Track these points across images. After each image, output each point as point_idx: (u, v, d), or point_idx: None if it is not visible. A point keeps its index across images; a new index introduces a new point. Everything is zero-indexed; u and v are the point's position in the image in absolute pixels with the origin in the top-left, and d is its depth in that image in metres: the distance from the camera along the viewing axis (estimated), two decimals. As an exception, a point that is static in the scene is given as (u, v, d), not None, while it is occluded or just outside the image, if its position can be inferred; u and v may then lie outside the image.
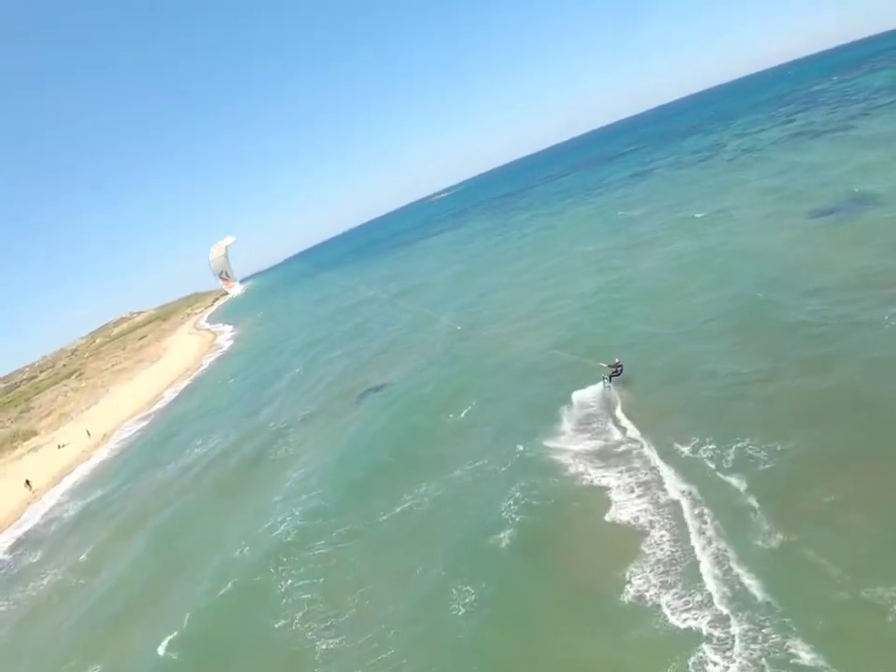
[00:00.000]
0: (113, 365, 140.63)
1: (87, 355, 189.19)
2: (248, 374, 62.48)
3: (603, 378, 27.83)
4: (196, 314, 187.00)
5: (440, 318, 48.14)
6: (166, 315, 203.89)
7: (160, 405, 66.85)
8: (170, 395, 70.76)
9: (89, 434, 64.84)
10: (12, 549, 39.74)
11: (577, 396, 27.60)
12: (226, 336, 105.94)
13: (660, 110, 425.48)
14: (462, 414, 29.40)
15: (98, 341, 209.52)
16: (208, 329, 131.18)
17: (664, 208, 58.52)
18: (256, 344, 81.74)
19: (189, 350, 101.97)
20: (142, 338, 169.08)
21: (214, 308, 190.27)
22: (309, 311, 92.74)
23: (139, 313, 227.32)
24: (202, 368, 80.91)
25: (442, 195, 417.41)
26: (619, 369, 27.04)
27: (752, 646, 12.51)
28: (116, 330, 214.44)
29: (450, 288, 61.97)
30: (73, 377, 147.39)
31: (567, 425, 25.05)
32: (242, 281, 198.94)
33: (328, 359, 52.21)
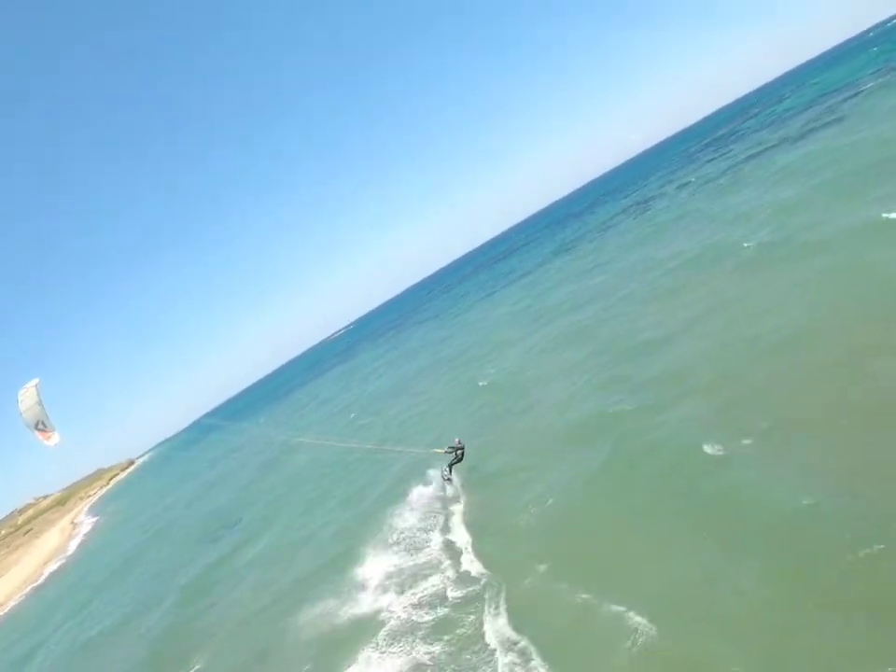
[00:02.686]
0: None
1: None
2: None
3: (443, 471, 22.91)
4: (90, 495, 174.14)
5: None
6: (66, 498, 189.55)
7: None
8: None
9: None
10: None
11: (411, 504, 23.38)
12: (78, 537, 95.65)
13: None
14: None
15: (3, 532, 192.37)
16: (76, 524, 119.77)
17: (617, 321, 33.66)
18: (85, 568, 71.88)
19: (33, 564, 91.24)
20: (28, 532, 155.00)
21: (109, 486, 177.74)
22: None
23: (45, 497, 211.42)
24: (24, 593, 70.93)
25: (337, 334, 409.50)
26: (459, 452, 22.44)
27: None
28: (21, 518, 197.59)
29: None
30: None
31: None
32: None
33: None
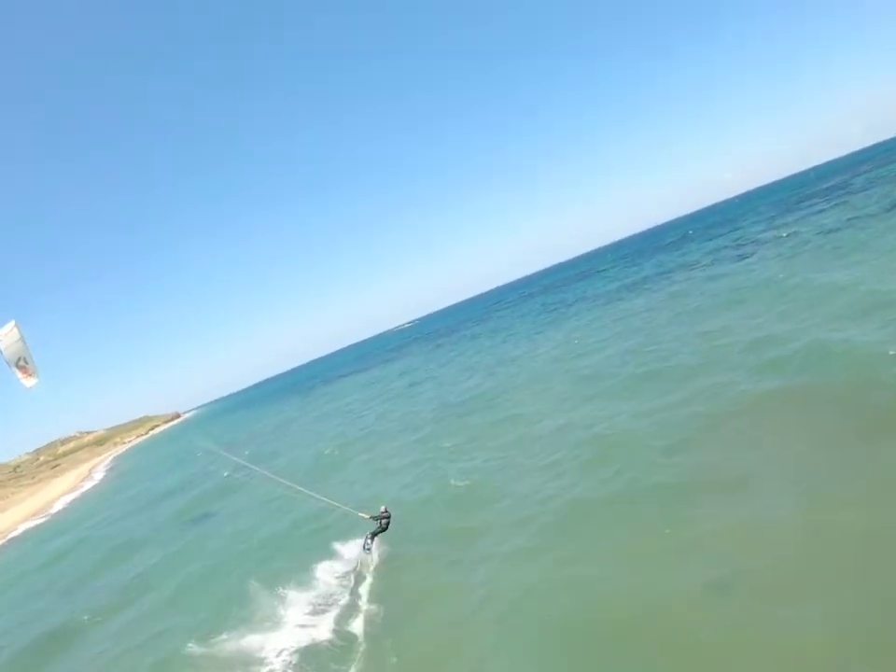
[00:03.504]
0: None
1: (20, 471, 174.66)
2: None
3: (365, 540, 20.14)
4: (125, 442, 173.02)
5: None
6: (105, 439, 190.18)
7: None
8: None
9: None
10: None
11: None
12: (74, 493, 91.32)
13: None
14: None
15: (42, 458, 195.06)
16: (90, 474, 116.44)
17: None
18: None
19: (20, 514, 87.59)
20: (55, 467, 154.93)
21: (145, 437, 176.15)
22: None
23: (89, 433, 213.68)
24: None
25: (406, 325, 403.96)
26: (384, 521, 20.00)
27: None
28: (62, 449, 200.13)
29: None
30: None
31: None
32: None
33: None
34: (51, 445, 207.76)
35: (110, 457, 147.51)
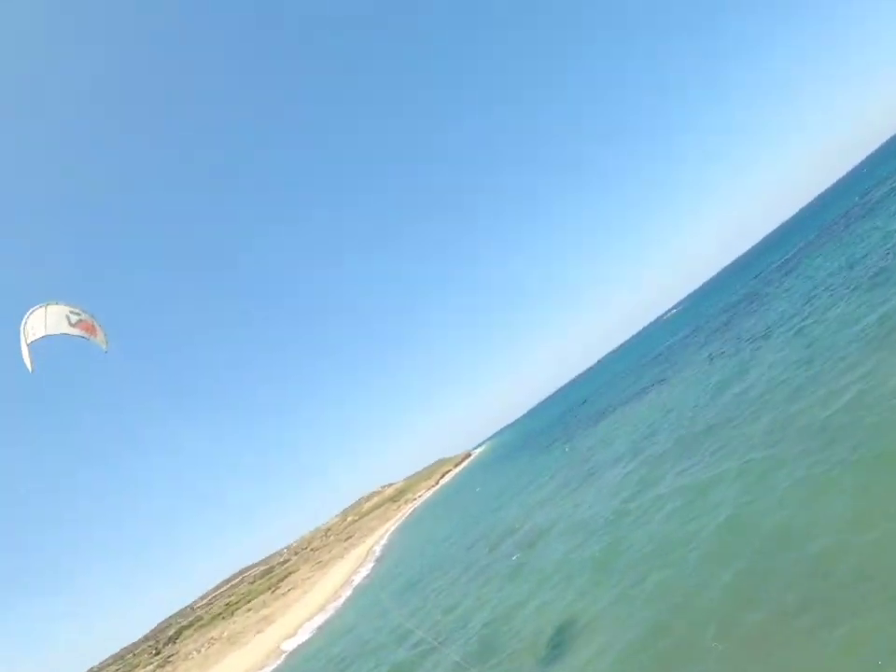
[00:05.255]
0: (289, 589, 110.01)
1: (328, 536, 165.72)
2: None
3: None
4: (416, 498, 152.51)
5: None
6: (401, 494, 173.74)
7: None
8: None
9: None
10: None
11: None
12: (332, 608, 65.79)
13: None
14: None
15: (349, 518, 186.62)
16: (367, 556, 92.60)
17: None
18: None
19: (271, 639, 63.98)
20: (347, 538, 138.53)
21: (434, 490, 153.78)
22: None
23: (390, 485, 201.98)
24: None
25: (672, 313, 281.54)
26: None
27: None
28: (366, 506, 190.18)
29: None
30: (269, 593, 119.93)
31: None
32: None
33: None
34: (358, 503, 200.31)
35: (392, 528, 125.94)
